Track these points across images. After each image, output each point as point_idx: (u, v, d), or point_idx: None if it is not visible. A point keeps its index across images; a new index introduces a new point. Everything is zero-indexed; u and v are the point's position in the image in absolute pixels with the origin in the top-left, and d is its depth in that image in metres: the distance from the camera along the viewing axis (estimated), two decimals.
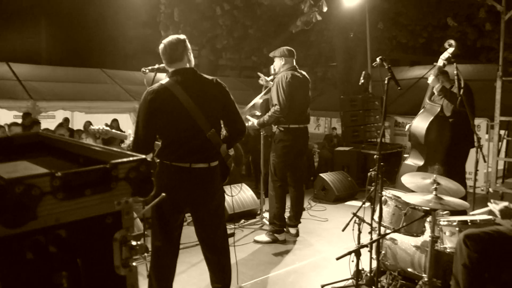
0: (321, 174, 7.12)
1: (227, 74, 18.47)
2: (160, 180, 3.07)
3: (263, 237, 5.06)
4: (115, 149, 1.14)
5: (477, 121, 8.00)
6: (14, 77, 10.23)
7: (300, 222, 5.34)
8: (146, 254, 4.45)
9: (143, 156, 1.09)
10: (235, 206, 5.76)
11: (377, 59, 3.47)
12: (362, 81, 4.33)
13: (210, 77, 3.17)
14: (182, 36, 3.15)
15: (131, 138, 3.30)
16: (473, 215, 3.56)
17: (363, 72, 4.41)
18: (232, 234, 5.22)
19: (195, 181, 3.04)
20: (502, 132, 8.12)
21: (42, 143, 1.50)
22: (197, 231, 3.26)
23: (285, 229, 5.25)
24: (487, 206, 3.17)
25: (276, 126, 5.02)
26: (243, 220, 5.71)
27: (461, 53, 10.18)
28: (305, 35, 10.78)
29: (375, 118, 8.12)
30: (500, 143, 7.62)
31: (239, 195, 5.91)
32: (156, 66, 4.22)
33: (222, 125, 3.20)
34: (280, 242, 4.99)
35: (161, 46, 3.14)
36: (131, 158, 1.07)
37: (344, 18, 9.27)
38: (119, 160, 1.04)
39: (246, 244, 4.98)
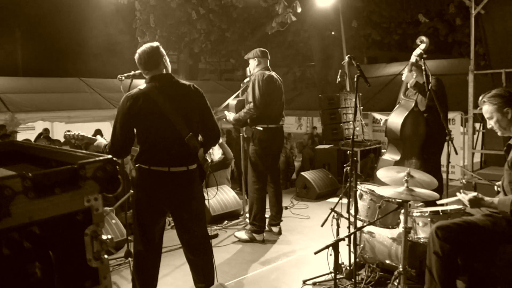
0: (302, 173, 7.23)
1: (207, 77, 18.53)
2: (140, 185, 3.15)
3: (242, 234, 5.14)
4: (84, 151, 1.21)
5: (451, 114, 8.22)
6: None
7: (281, 220, 5.43)
8: (130, 258, 4.51)
9: (109, 156, 1.16)
10: (218, 207, 5.83)
11: (346, 57, 3.58)
12: (339, 79, 4.44)
13: (187, 83, 3.24)
14: (155, 44, 3.21)
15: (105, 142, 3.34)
16: (441, 204, 3.68)
17: (340, 71, 4.53)
18: (215, 236, 5.29)
19: (174, 185, 3.09)
20: (477, 125, 8.34)
21: (17, 151, 1.56)
22: (178, 233, 3.31)
23: (267, 227, 5.35)
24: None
25: (254, 126, 5.09)
26: (226, 221, 5.77)
27: (434, 49, 10.42)
28: (282, 36, 10.91)
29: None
30: (474, 135, 7.83)
31: (221, 196, 5.98)
32: (132, 72, 4.26)
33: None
34: (258, 242, 5.06)
35: (136, 56, 3.20)
36: (97, 158, 1.14)
37: (319, 18, 9.42)
38: (86, 161, 1.11)
39: (229, 245, 5.04)
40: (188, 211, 3.20)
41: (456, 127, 8.38)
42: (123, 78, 4.25)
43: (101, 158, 1.14)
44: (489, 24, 7.64)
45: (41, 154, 1.31)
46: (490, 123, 3.20)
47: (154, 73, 3.15)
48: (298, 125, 15.85)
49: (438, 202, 3.42)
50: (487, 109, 3.18)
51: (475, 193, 3.14)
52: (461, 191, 3.23)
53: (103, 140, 3.42)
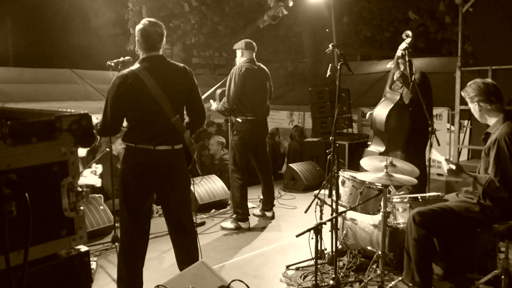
0: (290, 164, 7.32)
1: (200, 72, 18.55)
2: (126, 163, 3.22)
3: (228, 224, 5.24)
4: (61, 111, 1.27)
5: (438, 110, 8.33)
6: None
7: (274, 205, 5.64)
8: (117, 243, 4.57)
9: (85, 112, 1.23)
10: (206, 196, 5.90)
11: (330, 45, 3.66)
12: (329, 73, 4.52)
13: (179, 64, 3.29)
14: (160, 24, 3.21)
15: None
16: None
17: (330, 65, 4.61)
18: (203, 223, 5.37)
19: (159, 163, 3.15)
20: (465, 121, 8.46)
21: None
22: (164, 212, 3.38)
23: (260, 212, 5.59)
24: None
25: (234, 117, 5.22)
26: (213, 210, 5.85)
27: (424, 47, 10.54)
28: (274, 31, 10.97)
29: (342, 110, 8.33)
30: (460, 131, 7.95)
31: (209, 185, 6.05)
32: (121, 59, 4.32)
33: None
34: (244, 229, 5.16)
35: (141, 28, 3.17)
36: (73, 112, 1.21)
37: (311, 12, 9.48)
38: (62, 114, 1.18)
39: (216, 232, 5.13)
40: (173, 190, 3.26)
41: (442, 123, 8.50)
42: (113, 64, 4.32)
43: (76, 112, 1.21)
44: (477, 22, 7.75)
45: (18, 114, 1.37)
46: (471, 106, 3.33)
47: (149, 54, 3.19)
48: (289, 121, 15.90)
49: (432, 156, 3.49)
50: (468, 93, 3.29)
51: (456, 163, 3.24)
52: (446, 158, 3.31)
53: (94, 119, 3.45)
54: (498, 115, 3.21)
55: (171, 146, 3.17)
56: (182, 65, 3.31)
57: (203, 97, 5.53)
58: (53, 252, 1.18)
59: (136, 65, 3.16)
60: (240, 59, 5.20)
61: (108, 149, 4.92)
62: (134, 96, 3.07)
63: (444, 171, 3.24)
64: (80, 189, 1.20)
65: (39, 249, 1.14)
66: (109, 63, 4.32)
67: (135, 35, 3.23)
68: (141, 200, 3.23)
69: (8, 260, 0.95)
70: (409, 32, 5.09)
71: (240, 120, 5.16)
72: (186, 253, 3.35)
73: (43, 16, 13.41)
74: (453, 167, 3.19)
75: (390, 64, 5.35)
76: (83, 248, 1.23)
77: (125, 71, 3.13)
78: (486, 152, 3.22)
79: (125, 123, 3.23)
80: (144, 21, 3.22)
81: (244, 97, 5.07)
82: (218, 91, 5.50)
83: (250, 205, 5.51)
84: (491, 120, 3.26)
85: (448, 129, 8.54)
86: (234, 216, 5.26)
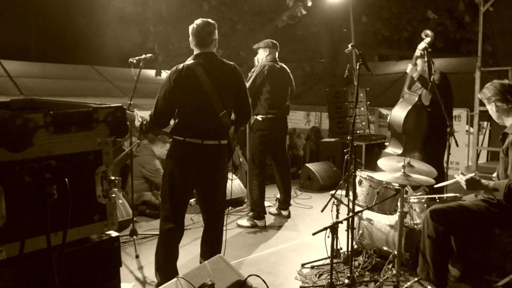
0: (307, 164, 7.34)
1: None
2: (173, 156, 3.33)
3: (244, 221, 5.30)
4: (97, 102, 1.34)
5: (457, 111, 8.27)
6: (5, 73, 10.34)
7: (290, 204, 5.69)
8: (135, 236, 4.64)
9: (120, 105, 1.29)
10: None
11: (349, 45, 3.68)
12: (347, 73, 4.53)
13: (230, 62, 3.41)
14: (213, 23, 3.35)
15: (139, 118, 3.47)
16: (439, 191, 3.76)
17: (348, 65, 4.62)
18: None
19: (206, 156, 3.28)
20: (485, 123, 8.38)
21: (35, 104, 1.71)
22: (200, 203, 3.51)
23: (276, 211, 5.64)
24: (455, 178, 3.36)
25: (254, 115, 5.24)
26: (230, 208, 5.90)
27: (443, 47, 10.44)
28: (291, 30, 10.98)
29: (360, 110, 8.33)
30: (479, 132, 7.88)
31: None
32: (143, 56, 4.42)
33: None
34: (260, 227, 5.20)
35: (193, 30, 3.33)
36: (109, 105, 1.28)
37: (329, 12, 9.49)
38: (99, 106, 1.24)
39: (232, 229, 5.18)
40: (213, 183, 3.39)
41: (461, 124, 8.43)
42: (134, 61, 4.41)
43: (112, 105, 1.28)
44: (498, 22, 7.68)
45: (58, 106, 1.44)
46: (488, 107, 3.33)
47: (202, 50, 3.32)
48: (306, 121, 15.87)
49: (436, 186, 3.50)
50: (485, 95, 3.30)
51: (472, 174, 3.23)
52: (460, 172, 3.32)
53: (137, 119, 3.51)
54: None
55: (218, 141, 3.29)
56: (232, 63, 3.43)
57: None
58: (87, 236, 1.25)
59: (191, 60, 3.27)
60: (265, 57, 5.24)
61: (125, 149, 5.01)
62: (187, 90, 3.19)
63: (463, 184, 3.23)
64: (112, 178, 1.26)
65: (74, 232, 1.21)
66: (131, 60, 4.42)
67: (189, 32, 3.36)
68: (184, 192, 3.35)
69: (49, 240, 1.01)
70: (429, 32, 5.06)
71: (260, 118, 5.19)
72: (210, 248, 3.45)
73: (66, 13, 13.63)
74: (469, 177, 3.18)
75: (408, 68, 5.32)
76: (113, 233, 1.30)
77: (180, 65, 3.24)
78: (505, 152, 3.21)
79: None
80: (198, 21, 3.35)
81: (265, 95, 5.12)
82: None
83: (266, 203, 5.55)
84: (509, 120, 3.25)
85: (467, 130, 8.47)
86: (251, 214, 5.30)
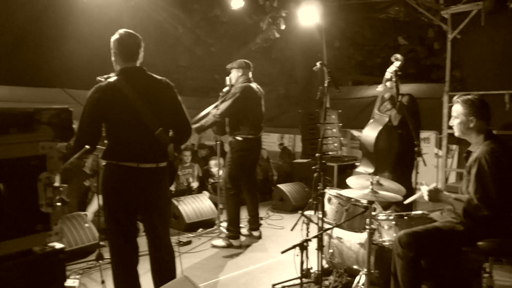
0: (279, 185, 7.31)
1: (193, 94, 18.57)
2: (108, 182, 3.06)
3: (220, 242, 5.21)
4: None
5: (426, 133, 8.43)
6: None
7: (261, 224, 5.64)
8: (101, 261, 4.49)
9: (66, 106, 1.24)
10: (193, 215, 5.85)
11: (317, 63, 3.71)
12: (319, 94, 4.57)
13: (159, 77, 3.17)
14: (137, 35, 3.12)
15: None
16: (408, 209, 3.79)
17: (320, 88, 4.66)
18: (189, 242, 5.31)
19: (143, 181, 3.01)
20: (453, 146, 8.55)
21: None
22: (146, 229, 3.27)
23: (247, 232, 5.54)
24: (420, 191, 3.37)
25: (233, 136, 5.20)
26: (201, 229, 5.80)
27: (415, 73, 10.72)
28: (266, 53, 11.11)
29: (332, 132, 8.38)
30: (447, 155, 8.03)
31: (197, 204, 6.01)
32: (112, 74, 4.34)
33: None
34: (235, 247, 5.13)
35: (114, 43, 3.07)
36: (53, 106, 1.22)
37: (303, 36, 9.63)
38: (42, 107, 1.19)
39: (203, 251, 5.07)
40: (155, 210, 3.17)
41: (430, 146, 8.59)
42: (102, 79, 4.33)
43: (57, 106, 1.22)
44: (465, 48, 7.93)
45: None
46: (453, 122, 3.34)
47: (128, 65, 3.08)
48: (279, 143, 15.88)
49: (406, 202, 3.51)
50: (457, 109, 3.31)
51: (434, 184, 3.25)
52: (423, 182, 3.34)
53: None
54: (480, 134, 3.25)
55: (156, 164, 3.04)
56: (163, 78, 3.18)
57: (200, 114, 5.51)
58: (27, 248, 1.17)
59: (115, 77, 3.01)
60: (239, 78, 5.24)
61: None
62: (115, 110, 2.93)
63: (425, 197, 3.26)
64: (57, 185, 1.20)
65: (12, 243, 1.13)
66: (99, 79, 4.32)
67: (111, 46, 3.10)
68: (126, 215, 3.12)
69: None
70: (399, 56, 5.16)
71: (240, 139, 5.16)
72: (165, 268, 3.26)
73: (34, 33, 13.37)
74: (432, 188, 3.21)
75: (379, 88, 5.41)
76: (58, 245, 1.22)
77: (103, 83, 2.98)
78: (468, 170, 3.25)
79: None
80: (121, 31, 3.11)
81: (247, 115, 5.11)
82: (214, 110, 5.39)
83: None
84: (473, 138, 3.29)
85: (436, 153, 8.62)
86: (226, 233, 5.23)
